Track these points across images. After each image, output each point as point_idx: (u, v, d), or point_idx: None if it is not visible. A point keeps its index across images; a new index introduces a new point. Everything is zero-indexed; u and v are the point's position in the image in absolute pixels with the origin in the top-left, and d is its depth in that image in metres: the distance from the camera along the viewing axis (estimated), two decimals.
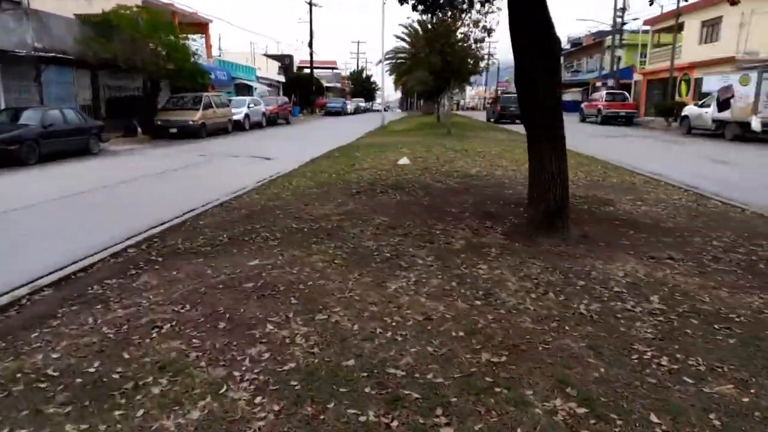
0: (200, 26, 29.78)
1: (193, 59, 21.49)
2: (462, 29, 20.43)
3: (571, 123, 32.78)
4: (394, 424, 2.29)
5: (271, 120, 29.58)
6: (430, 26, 19.84)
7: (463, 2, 9.63)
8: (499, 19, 19.54)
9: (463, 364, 2.80)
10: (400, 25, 45.06)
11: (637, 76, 40.80)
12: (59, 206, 7.84)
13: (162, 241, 5.55)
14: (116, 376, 2.77)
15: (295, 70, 59.70)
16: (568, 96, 56.76)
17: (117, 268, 4.63)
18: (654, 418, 2.32)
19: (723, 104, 21.24)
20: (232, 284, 4.15)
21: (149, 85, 21.31)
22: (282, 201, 7.54)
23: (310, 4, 45.92)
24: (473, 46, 20.39)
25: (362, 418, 2.34)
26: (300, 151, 15.65)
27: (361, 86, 79.26)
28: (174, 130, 19.89)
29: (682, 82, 32.50)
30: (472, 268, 4.31)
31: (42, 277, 4.42)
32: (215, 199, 7.96)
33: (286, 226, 6.00)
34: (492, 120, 34.40)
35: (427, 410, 2.39)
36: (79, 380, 2.74)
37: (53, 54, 17.12)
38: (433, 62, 19.92)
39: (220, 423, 2.35)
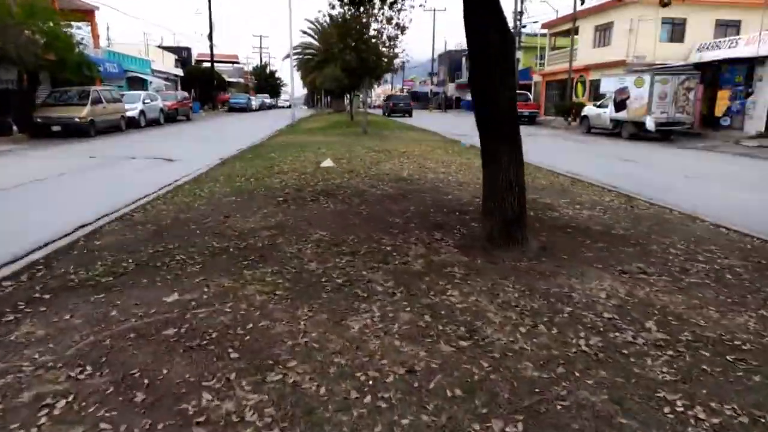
0: (85, 13, 26.85)
1: (77, 49, 19.17)
2: (375, 26, 19.97)
3: None
4: None
5: (170, 117, 27.41)
6: (343, 21, 19.08)
7: None
8: (412, 17, 19.20)
9: None
10: (306, 20, 43.85)
11: (536, 77, 42.71)
12: None
13: (48, 270, 4.43)
14: None
15: (193, 64, 56.39)
16: (470, 96, 58.67)
17: None
18: None
19: (619, 105, 22.54)
20: (148, 331, 3.25)
21: (26, 78, 18.74)
22: (196, 212, 6.54)
23: None
24: (387, 43, 19.96)
25: None
26: (206, 151, 14.37)
27: (266, 82, 76.84)
28: (57, 128, 17.60)
29: (579, 83, 34.37)
30: (442, 295, 3.72)
31: None
32: (113, 211, 6.78)
33: (206, 245, 5.07)
34: (386, 114, 41.32)
35: None
36: None
37: None
38: (348, 59, 19.22)
39: None
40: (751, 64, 21.01)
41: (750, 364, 2.84)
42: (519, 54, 41.63)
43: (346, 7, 16.15)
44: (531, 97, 35.77)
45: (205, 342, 3.09)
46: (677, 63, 26.80)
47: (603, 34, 32.73)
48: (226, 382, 2.66)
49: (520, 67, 44.73)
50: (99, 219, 6.36)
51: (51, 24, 17.80)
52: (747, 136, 20.19)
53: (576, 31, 32.63)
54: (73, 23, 20.81)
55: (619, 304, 3.60)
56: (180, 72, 46.38)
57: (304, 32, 42.99)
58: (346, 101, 40.83)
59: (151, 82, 35.17)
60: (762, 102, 20.50)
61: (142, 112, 23.29)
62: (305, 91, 77.34)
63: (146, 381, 2.69)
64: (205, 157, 12.47)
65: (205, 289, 3.91)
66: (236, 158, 12.36)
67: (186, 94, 35.36)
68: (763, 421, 2.36)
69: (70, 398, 2.54)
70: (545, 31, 41.29)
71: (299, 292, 3.81)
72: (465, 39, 4.90)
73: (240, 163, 11.25)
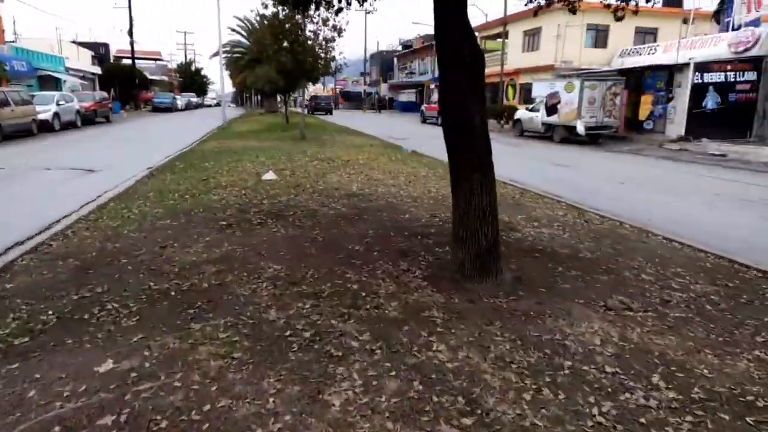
0: None
1: None
2: (311, 27, 19.33)
3: (413, 124, 33.64)
4: None
5: (88, 119, 25.42)
6: (277, 21, 18.28)
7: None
8: (349, 18, 18.74)
9: None
10: (235, 17, 42.23)
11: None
12: None
13: None
14: None
15: (112, 61, 53.03)
16: (403, 96, 58.99)
17: None
18: None
19: (551, 109, 23.13)
20: (78, 422, 2.62)
21: None
22: (126, 241, 5.77)
23: None
24: (324, 45, 19.37)
25: None
26: (131, 158, 13.25)
27: (191, 80, 73.70)
28: None
29: (509, 86, 35.21)
30: (428, 350, 3.30)
31: None
32: (26, 238, 5.91)
33: (142, 287, 4.39)
34: (310, 112, 43.47)
35: None
36: None
37: None
38: (283, 61, 18.43)
39: None
40: (671, 70, 22.14)
41: None
42: None
43: (280, 7, 15.47)
44: None
45: None
46: (601, 68, 27.95)
47: (532, 38, 33.67)
48: None
49: None
50: (8, 251, 5.47)
51: None
52: (669, 140, 21.27)
53: (506, 35, 33.33)
54: None
55: (618, 353, 3.33)
56: (98, 70, 43.47)
57: (234, 30, 41.51)
58: (279, 101, 39.72)
59: (65, 81, 32.59)
60: (681, 107, 21.66)
61: (56, 114, 21.38)
62: (233, 89, 74.92)
63: None
64: (131, 167, 11.43)
65: (147, 353, 3.28)
66: (166, 168, 11.39)
67: (105, 94, 33.01)
68: None
69: None
70: (476, 34, 41.99)
71: (261, 354, 3.26)
72: (436, 46, 4.51)
73: (171, 175, 10.34)
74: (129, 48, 44.16)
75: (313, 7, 11.40)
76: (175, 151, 14.78)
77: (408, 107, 54.46)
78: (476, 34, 32.44)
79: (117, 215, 6.97)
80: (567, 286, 4.52)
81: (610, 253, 5.68)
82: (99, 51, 50.76)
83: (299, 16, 18.26)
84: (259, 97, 60.44)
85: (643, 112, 23.82)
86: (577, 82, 21.55)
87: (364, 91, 64.30)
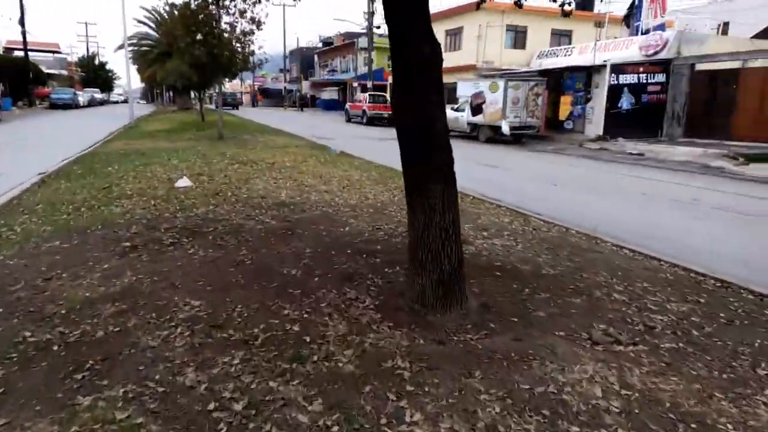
0: None
1: None
2: (227, 18, 17.99)
3: (338, 123, 32.88)
4: None
5: None
6: (189, 12, 16.79)
7: None
8: (268, 11, 17.61)
9: None
10: (142, 8, 39.34)
11: (391, 79, 43.06)
12: None
13: None
14: None
15: (1, 52, 47.89)
16: (326, 94, 57.87)
17: None
18: None
19: (476, 109, 23.15)
20: None
21: None
22: (1, 271, 4.59)
23: None
24: (242, 38, 18.08)
25: None
26: (20, 163, 11.51)
27: (95, 74, 68.48)
28: None
29: None
30: (401, 425, 2.55)
31: None
32: None
33: (14, 340, 3.34)
34: (216, 107, 41.96)
35: None
36: None
37: None
38: (197, 54, 16.96)
39: None
40: (589, 71, 22.79)
41: None
42: (372, 54, 41.74)
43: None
44: (388, 98, 35.79)
45: None
46: (521, 69, 28.49)
47: (454, 38, 33.82)
48: None
49: (374, 67, 44.92)
50: None
51: None
52: (588, 139, 21.87)
53: None
54: None
55: (626, 408, 2.75)
56: None
57: (141, 22, 38.70)
58: (193, 98, 37.43)
59: None
60: (599, 107, 22.35)
61: None
62: (142, 84, 70.46)
63: None
64: (18, 173, 9.83)
65: None
66: (61, 174, 9.88)
67: None
68: None
69: None
70: None
71: None
72: (392, 44, 3.77)
73: (67, 183, 8.92)
74: (21, 39, 39.95)
75: None
76: (73, 154, 13.07)
77: (331, 105, 53.46)
78: None
79: None
80: (541, 314, 3.94)
81: (571, 267, 5.22)
82: None
83: (213, 7, 16.92)
84: (171, 94, 57.02)
85: (563, 112, 24.43)
86: (501, 83, 21.67)
87: (285, 88, 62.49)
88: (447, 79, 31.04)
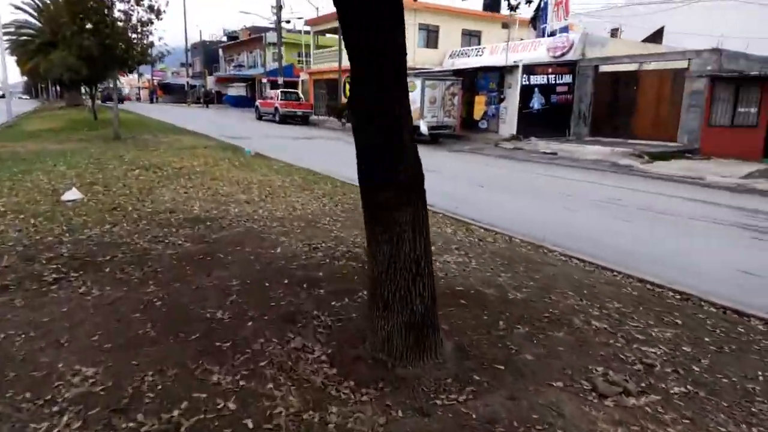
0: None
1: None
2: (121, 6, 16.16)
3: (248, 121, 31.27)
4: None
5: None
6: None
7: None
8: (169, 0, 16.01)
9: None
10: None
11: (303, 76, 41.83)
12: None
13: None
14: None
15: None
16: (233, 90, 55.21)
17: None
18: None
19: None
20: None
21: None
22: None
23: None
24: (139, 29, 16.32)
25: None
26: None
27: None
28: None
29: (347, 83, 34.44)
30: None
31: None
32: None
33: None
34: (102, 101, 39.72)
35: None
36: None
37: None
38: (87, 45, 15.02)
39: None
40: (502, 72, 23.11)
41: None
42: (282, 50, 40.26)
43: None
44: (302, 96, 34.62)
45: None
46: (435, 68, 28.50)
47: None
48: None
49: (284, 63, 43.44)
50: None
51: None
52: (503, 139, 22.17)
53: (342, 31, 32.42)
54: None
55: None
56: None
57: (18, 8, 34.56)
58: (85, 93, 33.95)
59: None
60: (512, 107, 22.72)
61: None
62: (24, 78, 63.57)
63: None
64: None
65: None
66: None
67: None
68: None
69: None
70: (309, 28, 40.53)
71: None
72: (350, 34, 2.98)
73: None
74: None
75: None
76: None
77: (239, 102, 51.09)
78: (307, 28, 31.13)
79: None
80: (527, 357, 3.34)
81: (534, 287, 4.71)
82: None
83: None
84: (58, 88, 51.82)
85: (478, 112, 24.63)
86: (418, 82, 21.38)
87: (188, 83, 58.88)
88: None
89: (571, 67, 22.73)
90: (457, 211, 7.91)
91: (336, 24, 32.78)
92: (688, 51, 19.12)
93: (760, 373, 3.34)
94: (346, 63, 32.52)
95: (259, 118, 32.71)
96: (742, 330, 4.06)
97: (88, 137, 16.48)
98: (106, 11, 15.78)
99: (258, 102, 34.79)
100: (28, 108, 37.97)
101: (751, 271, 5.84)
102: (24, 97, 67.59)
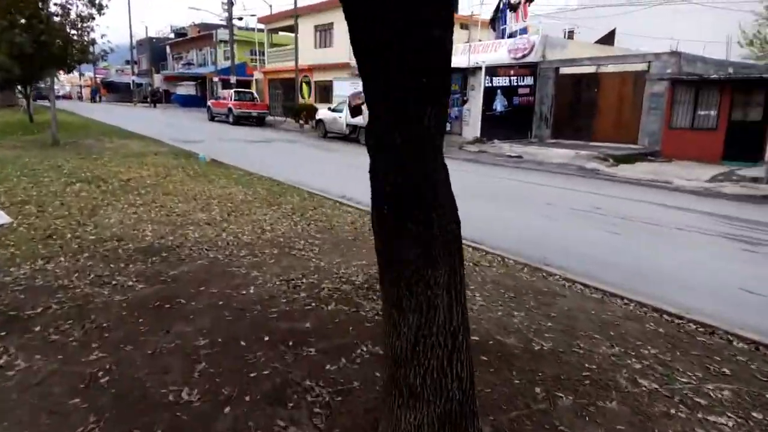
0: None
1: None
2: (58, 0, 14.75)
3: (200, 122, 29.78)
4: None
5: None
6: None
7: None
8: None
9: None
10: None
11: (257, 75, 40.42)
12: None
13: None
14: None
15: None
16: (182, 89, 52.91)
17: None
18: None
19: (355, 110, 21.89)
20: None
21: None
22: None
23: None
24: (78, 25, 14.93)
25: None
26: None
27: None
28: None
29: (303, 83, 33.36)
30: None
31: None
32: None
33: None
34: (36, 99, 36.49)
35: None
36: None
37: None
38: (19, 42, 13.53)
39: None
40: (465, 73, 22.69)
41: None
42: (234, 48, 38.82)
43: None
44: (257, 96, 33.30)
45: None
46: None
47: (324, 34, 32.27)
48: None
49: (236, 62, 41.90)
50: None
51: None
52: (467, 141, 21.77)
53: (297, 29, 31.34)
54: None
55: None
56: None
57: None
58: (19, 92, 31.53)
59: None
60: (476, 109, 22.35)
61: None
62: None
63: None
64: None
65: None
66: None
67: None
68: None
69: None
70: (262, 26, 39.17)
71: None
72: (357, 31, 2.21)
73: None
74: None
75: None
76: None
77: (189, 101, 48.97)
78: (261, 26, 29.87)
79: None
80: None
81: (556, 330, 4.08)
82: None
83: None
84: None
85: None
86: None
87: (133, 81, 56.10)
88: (318, 77, 29.67)
89: (532, 68, 22.57)
90: None
91: (290, 22, 31.64)
92: (647, 54, 19.21)
93: None
94: (302, 62, 31.48)
95: (212, 119, 31.22)
96: None
97: (23, 143, 14.95)
98: (40, 4, 14.34)
99: (210, 102, 33.23)
100: None
101: (751, 290, 5.49)
102: None
